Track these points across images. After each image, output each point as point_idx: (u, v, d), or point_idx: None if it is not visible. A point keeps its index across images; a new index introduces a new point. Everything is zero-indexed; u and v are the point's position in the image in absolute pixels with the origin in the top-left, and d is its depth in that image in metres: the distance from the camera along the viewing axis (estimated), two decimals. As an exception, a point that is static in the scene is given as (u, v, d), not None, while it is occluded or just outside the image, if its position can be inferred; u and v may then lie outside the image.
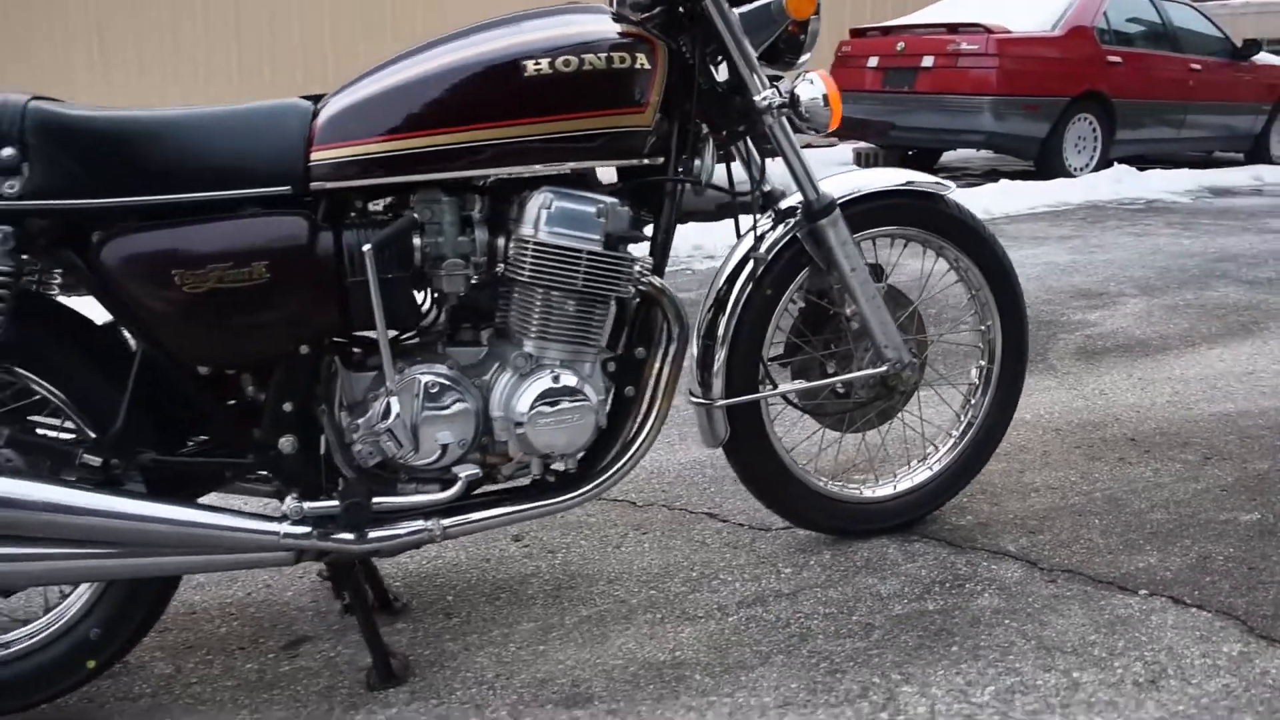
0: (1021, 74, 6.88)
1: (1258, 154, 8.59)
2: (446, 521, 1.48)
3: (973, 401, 2.04)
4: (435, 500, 1.47)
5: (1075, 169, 7.32)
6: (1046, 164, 7.18)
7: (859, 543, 1.97)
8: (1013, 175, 7.02)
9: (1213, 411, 2.67)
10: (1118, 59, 7.31)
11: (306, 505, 1.41)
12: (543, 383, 1.46)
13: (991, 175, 7.41)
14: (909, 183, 1.85)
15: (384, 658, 1.55)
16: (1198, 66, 7.85)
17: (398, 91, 1.40)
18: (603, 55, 1.44)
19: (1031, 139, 7.12)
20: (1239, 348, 3.27)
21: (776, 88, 1.65)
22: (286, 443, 1.43)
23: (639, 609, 1.76)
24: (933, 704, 1.48)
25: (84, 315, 1.46)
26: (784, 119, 1.66)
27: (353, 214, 1.44)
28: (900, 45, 7.43)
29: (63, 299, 1.47)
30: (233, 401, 1.46)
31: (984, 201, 6.09)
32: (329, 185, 1.38)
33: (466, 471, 1.46)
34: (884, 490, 1.99)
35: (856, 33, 8.02)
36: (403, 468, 1.47)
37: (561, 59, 1.42)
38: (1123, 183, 6.90)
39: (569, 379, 1.47)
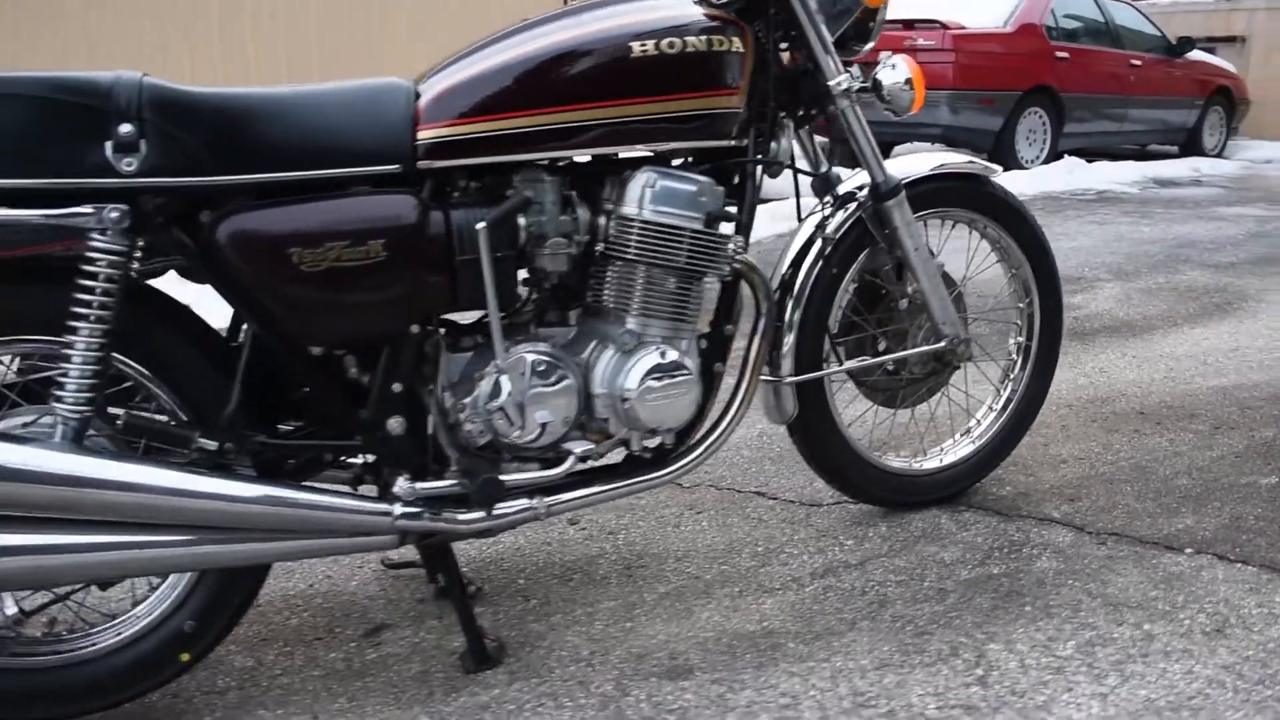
0: (976, 69, 7.07)
1: (1191, 146, 8.94)
2: (549, 500, 1.51)
3: (1012, 375, 2.13)
4: (541, 478, 1.49)
5: (1027, 161, 7.54)
6: (1000, 156, 7.38)
7: (910, 514, 2.04)
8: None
9: (1209, 385, 2.80)
10: (1065, 55, 7.56)
11: (419, 486, 1.42)
12: (651, 358, 1.49)
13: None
14: (960, 166, 1.92)
15: (479, 640, 1.57)
16: (1137, 63, 8.15)
17: (504, 71, 1.42)
18: (703, 38, 1.48)
19: (986, 132, 7.32)
20: (1219, 326, 3.43)
21: (849, 72, 1.71)
22: (395, 424, 1.44)
23: (715, 584, 1.80)
24: (1021, 659, 1.55)
25: (172, 298, 1.45)
26: (855, 103, 1.72)
27: (455, 193, 1.45)
28: (856, 42, 7.56)
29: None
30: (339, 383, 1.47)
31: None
32: (436, 164, 1.39)
33: (580, 447, 1.49)
34: (932, 463, 2.06)
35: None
36: (506, 446, 1.48)
37: (666, 41, 1.45)
38: (1074, 174, 7.14)
39: (673, 354, 1.51)
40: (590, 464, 1.63)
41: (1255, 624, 1.62)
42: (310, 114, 1.37)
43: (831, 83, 1.69)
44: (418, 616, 1.74)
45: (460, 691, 1.52)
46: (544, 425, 1.46)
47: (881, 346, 1.97)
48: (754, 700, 1.47)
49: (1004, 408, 2.12)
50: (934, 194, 1.91)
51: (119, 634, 1.45)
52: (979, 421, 2.13)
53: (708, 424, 1.63)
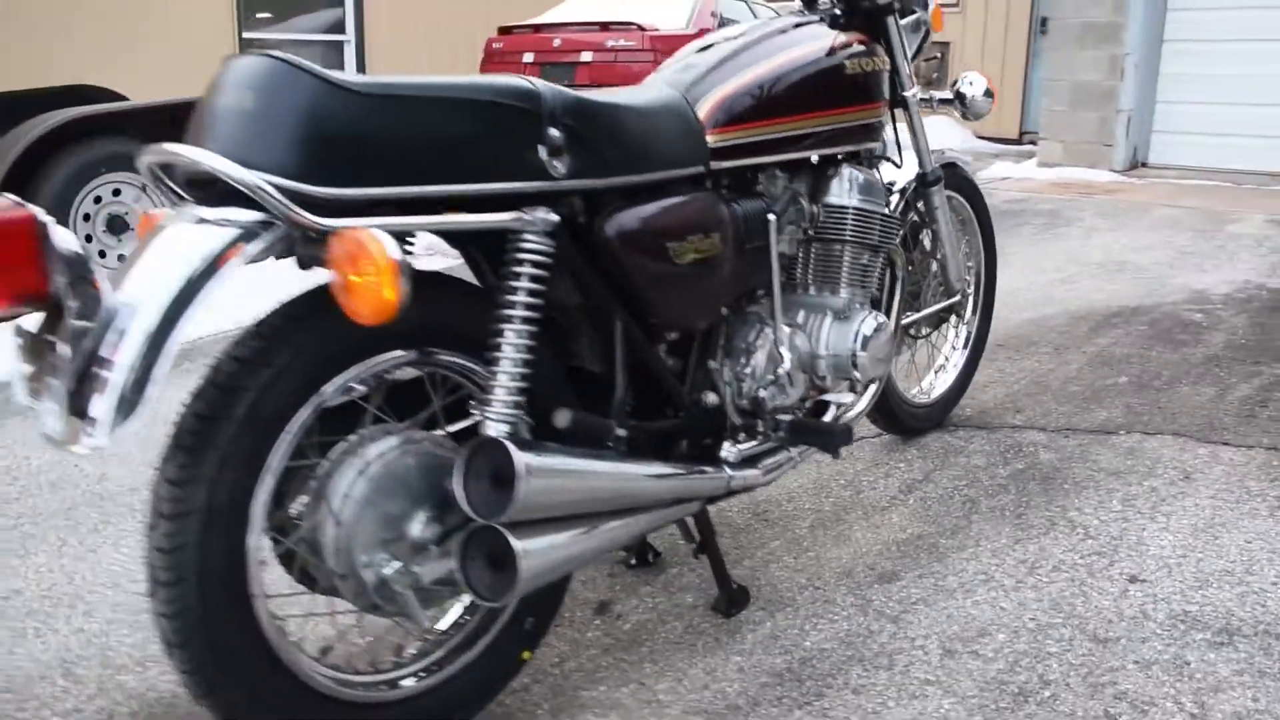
0: (670, 67, 7.82)
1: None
2: (793, 450, 1.82)
3: (966, 319, 2.72)
4: (836, 421, 1.87)
5: (710, 149, 8.48)
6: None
7: (921, 439, 2.56)
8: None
9: (1022, 319, 3.64)
10: (733, 53, 8.57)
11: (741, 448, 1.68)
12: (869, 322, 1.84)
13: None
14: (949, 156, 2.45)
15: (729, 586, 1.83)
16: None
17: (765, 83, 1.69)
18: (876, 59, 1.87)
19: (679, 124, 8.12)
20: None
21: (916, 81, 2.16)
22: (710, 397, 1.67)
23: (841, 511, 2.20)
24: (1097, 517, 2.13)
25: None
26: (918, 106, 2.17)
27: (724, 189, 1.69)
28: (557, 41, 8.02)
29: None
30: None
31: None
32: (724, 165, 1.63)
33: (838, 398, 1.82)
34: (936, 393, 2.60)
35: (505, 30, 8.47)
36: (776, 407, 1.77)
37: (862, 59, 1.82)
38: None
39: (879, 317, 1.88)
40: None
41: (1204, 469, 2.34)
42: (646, 120, 1.52)
43: (908, 93, 2.14)
44: (623, 589, 1.92)
45: (741, 632, 1.77)
46: (804, 386, 1.78)
47: (921, 300, 2.45)
48: (962, 581, 1.90)
49: (965, 344, 2.70)
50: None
51: (467, 649, 1.47)
52: (948, 359, 2.70)
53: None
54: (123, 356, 1.03)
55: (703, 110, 1.64)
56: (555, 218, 1.33)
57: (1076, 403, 2.80)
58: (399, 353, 1.28)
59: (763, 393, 1.74)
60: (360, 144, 1.15)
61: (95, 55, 6.92)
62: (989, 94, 2.26)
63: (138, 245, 1.16)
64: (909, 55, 2.13)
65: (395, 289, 1.04)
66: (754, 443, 1.73)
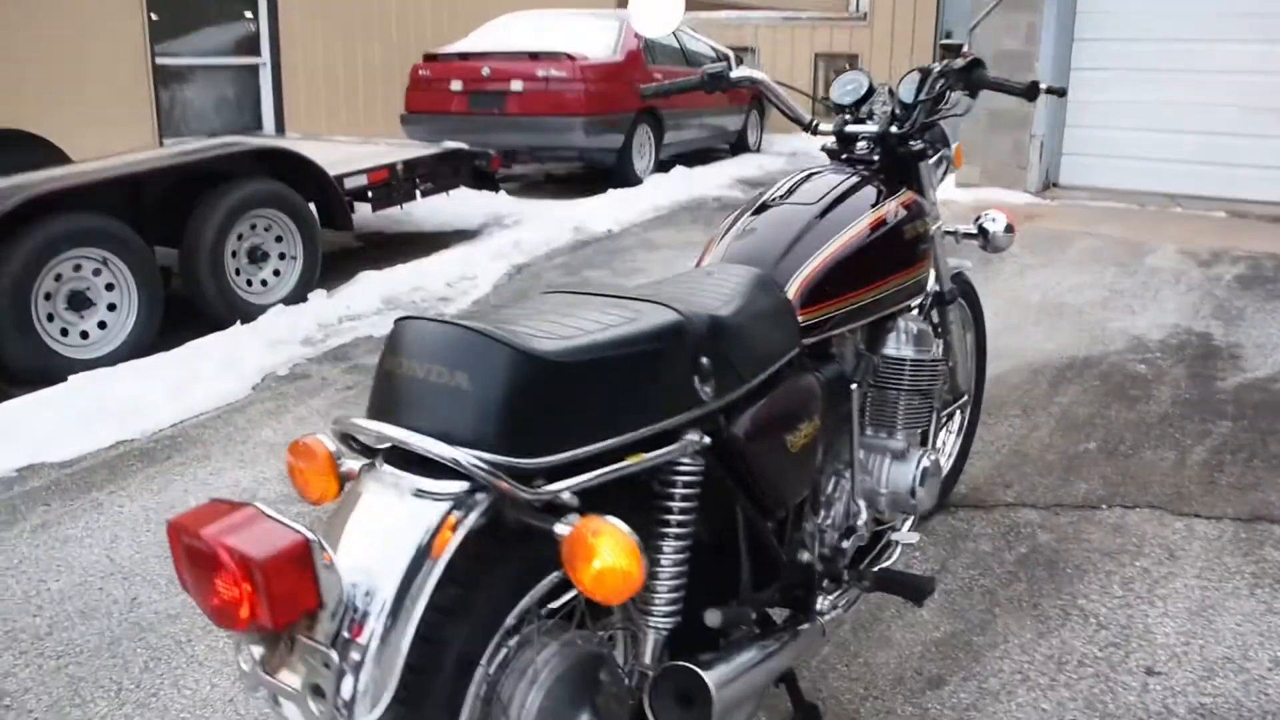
0: (602, 95, 7.93)
1: (740, 146, 10.72)
2: (862, 583, 1.99)
3: (963, 407, 2.93)
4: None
5: (640, 172, 8.61)
6: (622, 170, 8.36)
7: (923, 525, 2.76)
8: (563, 181, 8.08)
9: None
10: (660, 76, 8.70)
11: (829, 599, 1.84)
12: (925, 460, 2.02)
13: (554, 181, 8.42)
14: (958, 264, 2.64)
15: (803, 703, 1.97)
16: (703, 79, 9.59)
17: (847, 256, 1.83)
18: (923, 220, 2.04)
19: (611, 150, 8.24)
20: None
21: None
22: (804, 556, 1.83)
23: (865, 616, 2.38)
24: (1105, 604, 2.36)
25: None
26: (941, 238, 2.35)
27: (809, 361, 1.82)
28: (486, 70, 8.03)
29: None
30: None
31: (614, 214, 7.05)
32: (808, 340, 1.77)
33: (909, 538, 2.00)
34: (937, 480, 2.81)
35: (430, 57, 8.43)
36: (842, 551, 1.93)
37: (916, 223, 1.99)
38: (688, 182, 8.34)
39: (932, 455, 2.05)
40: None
41: (1184, 546, 2.60)
42: (761, 319, 1.62)
43: (932, 228, 2.31)
44: None
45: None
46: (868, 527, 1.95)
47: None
48: (1004, 683, 2.11)
49: (959, 430, 2.92)
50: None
51: None
52: (945, 444, 2.91)
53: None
54: (369, 646, 1.11)
55: (791, 290, 1.76)
56: (707, 440, 1.45)
57: (1057, 474, 3.05)
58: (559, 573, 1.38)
59: (845, 543, 1.89)
60: (556, 412, 1.25)
61: (14, 94, 6.64)
62: (1010, 229, 2.46)
63: (341, 505, 1.24)
64: (935, 190, 2.31)
65: (640, 569, 1.15)
66: (840, 593, 1.88)
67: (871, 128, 2.15)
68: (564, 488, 1.24)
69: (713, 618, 1.54)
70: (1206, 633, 2.25)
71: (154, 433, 3.52)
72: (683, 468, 1.44)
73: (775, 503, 1.67)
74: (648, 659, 1.44)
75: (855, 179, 2.04)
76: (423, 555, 1.16)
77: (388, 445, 1.25)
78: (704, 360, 1.45)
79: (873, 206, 1.97)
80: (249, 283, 4.73)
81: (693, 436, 1.43)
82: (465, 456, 1.17)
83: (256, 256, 4.74)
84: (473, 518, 1.20)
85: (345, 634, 1.12)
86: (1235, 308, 4.62)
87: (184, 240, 4.46)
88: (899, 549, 2.06)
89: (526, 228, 6.62)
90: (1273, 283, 5.00)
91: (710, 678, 1.39)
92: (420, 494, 1.20)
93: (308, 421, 3.60)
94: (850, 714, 2.04)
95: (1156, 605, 2.36)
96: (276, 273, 4.84)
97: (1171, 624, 2.29)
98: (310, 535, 1.05)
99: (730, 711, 1.45)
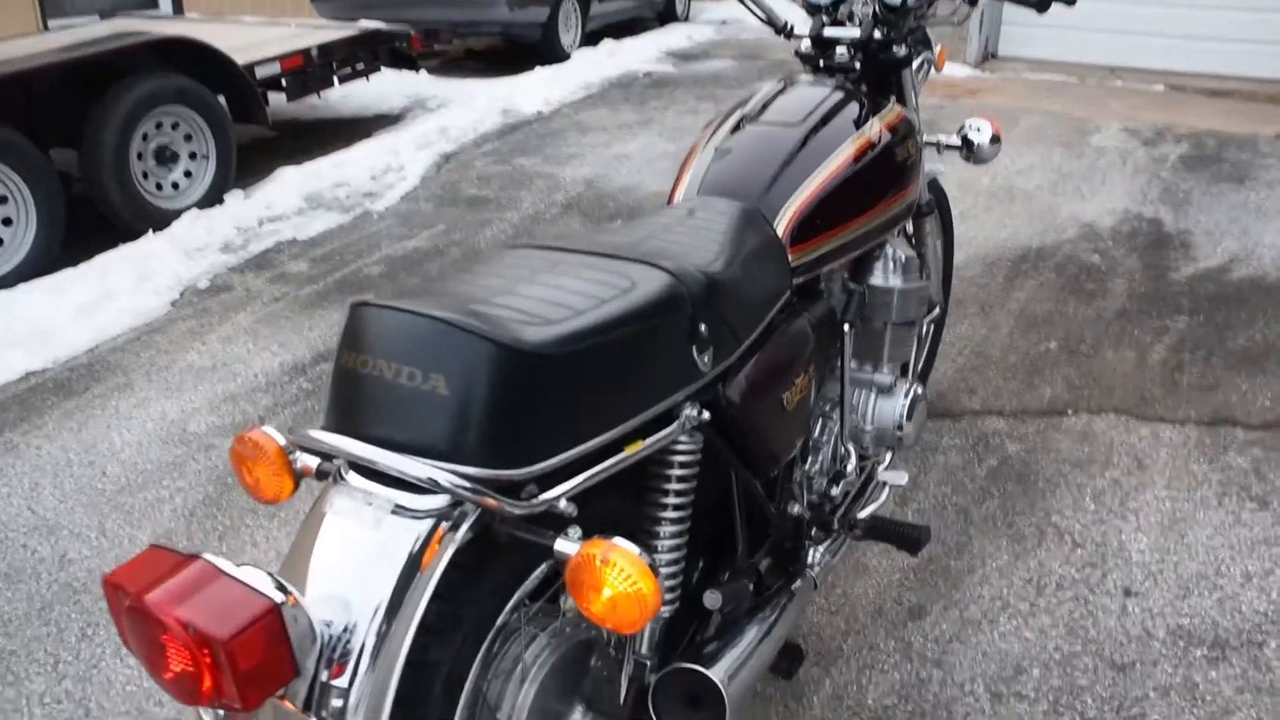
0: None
1: (669, 15, 10.25)
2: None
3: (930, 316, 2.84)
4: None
5: (567, 45, 8.18)
6: (548, 44, 7.92)
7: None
8: (485, 58, 7.66)
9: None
10: (586, -57, 8.18)
11: (823, 547, 1.76)
12: (911, 394, 1.91)
13: (476, 58, 7.98)
14: (933, 169, 2.50)
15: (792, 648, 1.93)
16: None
17: (837, 185, 1.66)
18: (914, 139, 1.87)
19: (537, 24, 7.78)
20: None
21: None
22: (795, 508, 1.72)
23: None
24: (1079, 520, 2.34)
25: None
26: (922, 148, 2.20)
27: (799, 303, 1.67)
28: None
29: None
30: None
31: (543, 93, 6.69)
32: (798, 280, 1.61)
33: (899, 480, 1.92)
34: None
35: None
36: (834, 497, 1.85)
37: (908, 144, 1.83)
38: (615, 56, 7.95)
39: (918, 387, 1.95)
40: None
41: (1151, 454, 2.59)
42: (754, 263, 1.46)
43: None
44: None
45: (806, 695, 1.89)
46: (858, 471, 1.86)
47: None
48: (984, 610, 2.08)
49: (926, 338, 2.83)
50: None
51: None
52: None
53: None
54: (353, 691, 0.98)
55: (781, 227, 1.59)
56: (707, 415, 1.32)
57: (1020, 378, 3.01)
58: (544, 567, 1.26)
59: (834, 490, 1.80)
60: (547, 412, 1.09)
61: None
62: (996, 139, 2.30)
63: (305, 529, 1.08)
64: (917, 97, 2.14)
65: (657, 590, 1.03)
66: (832, 543, 1.80)
67: (853, 32, 1.96)
68: (559, 495, 1.10)
69: (711, 599, 1.44)
70: (1180, 548, 2.25)
71: (67, 360, 3.26)
72: (680, 447, 1.32)
73: (772, 462, 1.55)
74: (646, 648, 1.34)
75: (839, 94, 1.86)
76: (407, 581, 1.03)
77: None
78: (702, 328, 1.30)
79: (860, 126, 1.80)
80: (159, 186, 4.36)
81: (690, 412, 1.30)
82: (445, 476, 1.02)
83: (165, 157, 4.36)
84: (459, 535, 1.06)
85: (324, 677, 0.99)
86: (1182, 191, 4.58)
87: (83, 144, 4.07)
88: (887, 490, 1.97)
89: (452, 111, 6.26)
90: (1216, 163, 4.97)
91: (718, 675, 1.30)
92: (399, 510, 1.05)
93: (235, 341, 3.37)
94: (833, 652, 1.99)
95: (1129, 520, 2.35)
96: (188, 174, 4.47)
97: (1145, 539, 2.28)
98: (277, 596, 0.89)
99: (742, 702, 1.37)
